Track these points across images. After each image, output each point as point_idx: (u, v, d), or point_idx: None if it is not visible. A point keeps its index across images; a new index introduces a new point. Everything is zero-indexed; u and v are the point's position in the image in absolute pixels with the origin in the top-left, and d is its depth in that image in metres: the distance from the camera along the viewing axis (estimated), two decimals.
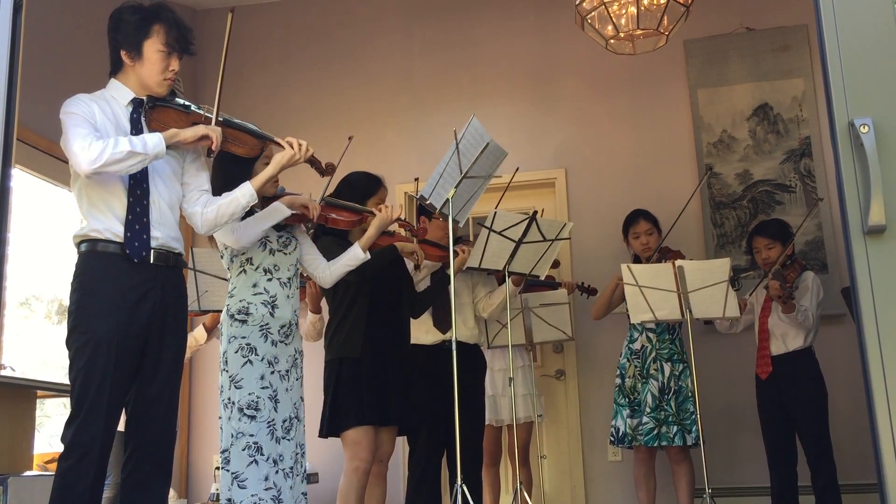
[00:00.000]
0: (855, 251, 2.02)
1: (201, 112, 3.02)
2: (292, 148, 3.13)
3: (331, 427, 3.68)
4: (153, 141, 2.79)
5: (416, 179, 4.27)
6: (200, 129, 2.91)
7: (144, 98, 2.95)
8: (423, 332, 4.29)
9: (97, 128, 2.79)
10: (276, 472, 3.24)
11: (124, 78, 2.94)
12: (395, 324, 3.93)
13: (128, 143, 2.73)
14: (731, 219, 5.44)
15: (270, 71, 6.18)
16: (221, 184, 3.19)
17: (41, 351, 5.55)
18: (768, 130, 5.47)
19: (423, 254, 3.91)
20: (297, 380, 3.42)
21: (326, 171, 3.49)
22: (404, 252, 3.87)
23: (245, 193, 3.05)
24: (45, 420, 5.64)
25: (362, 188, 3.87)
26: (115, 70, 2.96)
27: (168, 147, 2.86)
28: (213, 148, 2.93)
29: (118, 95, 2.93)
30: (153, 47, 2.89)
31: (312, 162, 3.37)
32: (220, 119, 3.03)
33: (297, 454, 3.35)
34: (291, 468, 3.30)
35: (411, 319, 4.32)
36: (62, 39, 4.73)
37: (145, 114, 2.94)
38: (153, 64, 2.90)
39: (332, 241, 3.75)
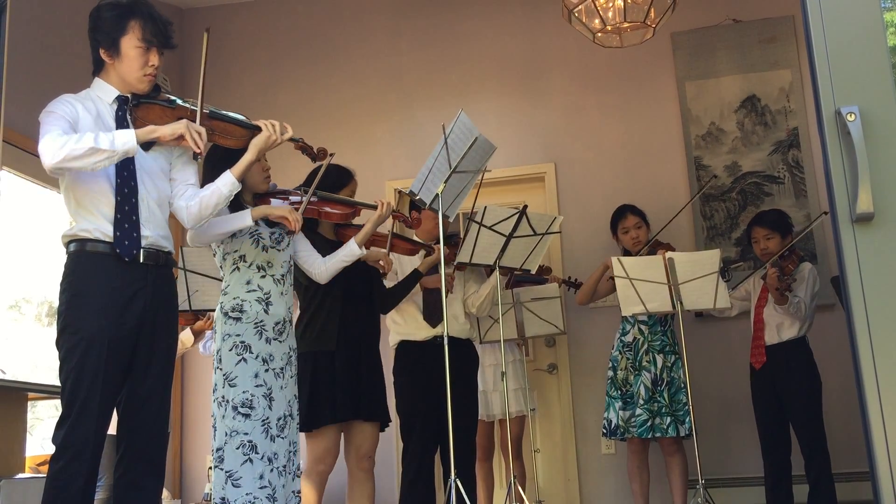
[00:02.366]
0: (843, 240, 2.02)
1: (187, 106, 2.95)
2: (269, 130, 3.05)
3: (305, 422, 3.62)
4: (123, 138, 2.68)
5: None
6: (179, 128, 2.77)
7: (129, 96, 2.91)
8: (414, 327, 4.29)
9: (78, 127, 2.75)
10: (271, 470, 3.22)
11: (107, 76, 2.91)
12: (368, 317, 3.93)
13: (92, 139, 2.63)
14: (721, 211, 5.45)
15: (258, 70, 6.16)
16: (213, 179, 3.12)
17: (32, 353, 5.53)
18: (756, 122, 5.48)
19: (391, 262, 3.87)
20: (291, 377, 3.41)
21: (318, 156, 3.41)
22: (370, 260, 3.84)
23: (226, 182, 2.99)
24: (37, 422, 5.63)
25: (334, 180, 3.83)
26: (97, 69, 2.93)
27: (152, 144, 2.82)
28: (197, 150, 2.80)
29: (103, 94, 2.90)
30: (130, 43, 2.84)
31: (304, 148, 3.32)
32: (206, 111, 2.95)
33: (289, 452, 3.34)
34: (284, 466, 3.29)
35: (404, 317, 4.33)
36: (48, 40, 4.71)
37: (130, 112, 2.90)
38: (132, 60, 2.86)
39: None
